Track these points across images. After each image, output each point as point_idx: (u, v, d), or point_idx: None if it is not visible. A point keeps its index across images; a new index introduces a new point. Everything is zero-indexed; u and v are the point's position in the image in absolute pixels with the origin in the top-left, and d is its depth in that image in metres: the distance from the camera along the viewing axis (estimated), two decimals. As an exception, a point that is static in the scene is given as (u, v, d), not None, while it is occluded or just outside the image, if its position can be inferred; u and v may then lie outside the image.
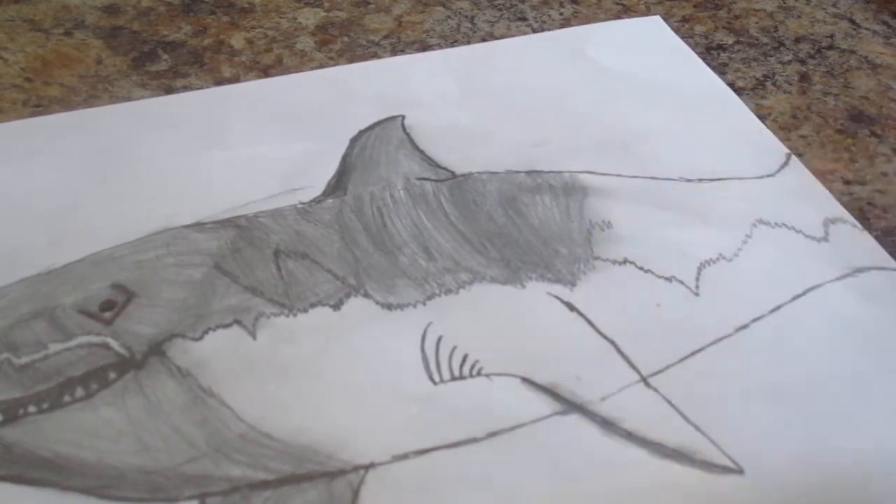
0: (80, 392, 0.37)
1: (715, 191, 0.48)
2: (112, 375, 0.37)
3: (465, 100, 0.52)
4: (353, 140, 0.49)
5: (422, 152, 0.49)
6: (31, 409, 0.36)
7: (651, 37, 0.59)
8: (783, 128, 0.53)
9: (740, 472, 0.35)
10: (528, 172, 0.48)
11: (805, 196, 0.47)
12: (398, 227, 0.44)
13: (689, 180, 0.48)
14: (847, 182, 0.50)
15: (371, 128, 0.50)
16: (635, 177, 0.48)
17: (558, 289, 0.42)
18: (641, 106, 0.53)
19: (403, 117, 0.51)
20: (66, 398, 0.37)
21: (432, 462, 0.35)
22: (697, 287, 0.43)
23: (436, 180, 0.47)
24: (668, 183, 0.48)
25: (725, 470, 0.35)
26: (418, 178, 0.47)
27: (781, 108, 0.54)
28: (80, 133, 0.49)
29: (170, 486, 0.34)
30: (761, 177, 0.49)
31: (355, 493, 0.34)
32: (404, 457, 0.36)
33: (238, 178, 0.46)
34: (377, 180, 0.47)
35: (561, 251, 0.44)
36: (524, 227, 0.45)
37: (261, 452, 0.35)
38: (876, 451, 0.36)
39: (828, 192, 0.48)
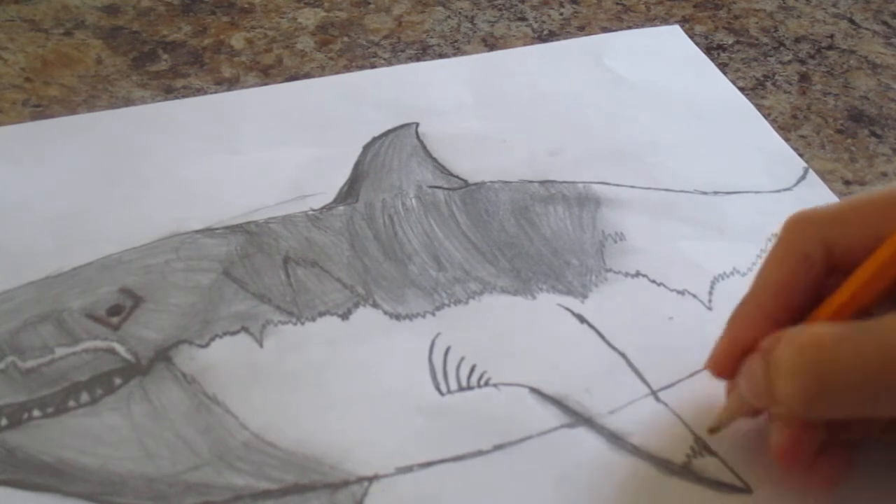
0: (85, 397, 0.37)
1: (730, 204, 0.47)
2: (117, 381, 0.37)
3: (480, 108, 0.52)
4: (366, 147, 0.49)
5: (435, 160, 0.48)
6: (36, 413, 0.36)
7: (670, 46, 0.58)
8: (783, 128, 0.52)
9: (748, 491, 0.35)
10: (542, 182, 0.47)
11: (822, 210, 0.47)
12: (409, 236, 0.44)
13: (704, 193, 0.47)
14: (847, 182, 0.49)
15: (384, 135, 0.50)
16: (650, 188, 0.48)
17: (569, 300, 0.42)
18: (658, 117, 0.52)
19: (417, 125, 0.50)
20: (71, 403, 0.37)
21: (438, 475, 0.35)
22: (710, 301, 0.42)
23: (448, 189, 0.47)
24: (682, 195, 0.47)
25: (733, 489, 0.35)
26: (430, 187, 0.47)
27: (781, 108, 0.54)
28: (91, 136, 0.49)
29: (172, 494, 0.34)
30: (778, 190, 0.48)
31: (358, 505, 0.34)
32: (409, 469, 0.35)
33: (249, 183, 0.46)
34: (389, 188, 0.46)
35: (572, 262, 0.43)
36: (536, 238, 0.44)
37: (264, 461, 0.35)
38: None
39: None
